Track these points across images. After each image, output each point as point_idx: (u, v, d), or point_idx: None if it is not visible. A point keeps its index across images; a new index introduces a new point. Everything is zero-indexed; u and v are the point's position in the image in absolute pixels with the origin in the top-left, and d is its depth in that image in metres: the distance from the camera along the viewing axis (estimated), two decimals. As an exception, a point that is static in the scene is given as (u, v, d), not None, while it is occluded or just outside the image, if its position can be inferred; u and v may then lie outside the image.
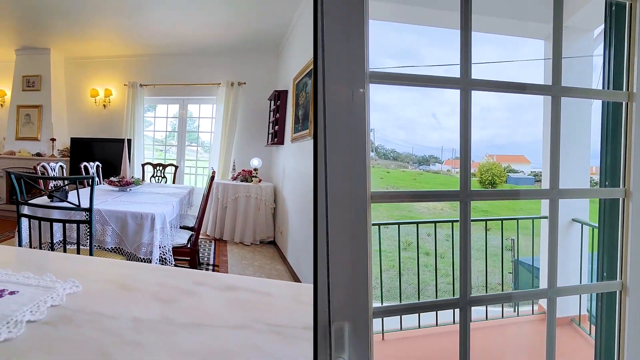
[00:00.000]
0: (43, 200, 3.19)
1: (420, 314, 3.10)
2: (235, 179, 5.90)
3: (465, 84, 1.05)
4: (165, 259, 3.22)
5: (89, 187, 2.84)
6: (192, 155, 7.36)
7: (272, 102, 5.86)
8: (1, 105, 7.60)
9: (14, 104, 7.07)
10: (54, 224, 2.80)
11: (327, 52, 0.80)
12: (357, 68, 0.83)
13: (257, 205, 5.58)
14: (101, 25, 5.88)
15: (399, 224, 3.54)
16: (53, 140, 6.94)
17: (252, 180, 5.71)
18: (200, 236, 3.79)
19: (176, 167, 6.16)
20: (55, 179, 3.06)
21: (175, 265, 3.37)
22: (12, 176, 2.73)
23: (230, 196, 5.62)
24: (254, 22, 5.38)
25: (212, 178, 3.73)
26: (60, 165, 4.60)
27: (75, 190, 2.82)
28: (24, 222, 2.90)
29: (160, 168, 6.09)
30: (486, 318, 3.41)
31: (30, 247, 3.01)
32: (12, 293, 1.13)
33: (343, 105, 0.82)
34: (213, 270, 4.51)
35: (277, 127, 5.45)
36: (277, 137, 5.43)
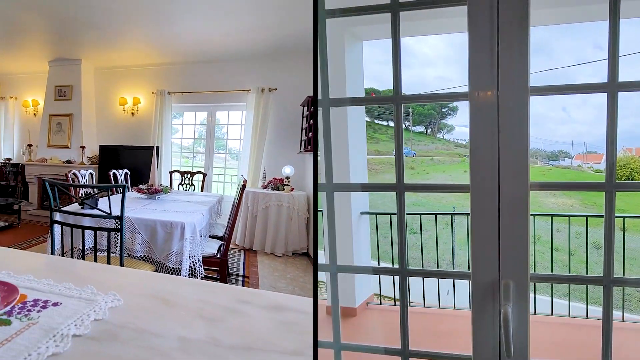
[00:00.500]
0: (74, 207, 3.21)
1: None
2: (265, 187, 5.77)
3: (613, 88, 1.02)
4: (195, 269, 3.20)
5: (118, 195, 2.84)
6: (220, 162, 7.30)
7: (305, 107, 5.69)
8: (34, 114, 7.83)
9: (47, 113, 7.28)
10: (85, 230, 2.81)
11: (501, 67, 0.99)
12: (522, 82, 1.00)
13: (289, 214, 5.43)
14: (130, 35, 5.98)
15: (534, 215, 3.39)
16: (83, 147, 7.08)
17: (283, 189, 5.57)
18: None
19: (204, 175, 6.09)
20: (88, 187, 3.08)
21: (204, 276, 3.34)
22: (46, 184, 2.76)
23: (261, 205, 5.49)
24: (283, 27, 5.30)
25: (244, 187, 3.67)
26: (90, 173, 4.65)
27: (106, 198, 2.83)
28: (57, 228, 2.92)
29: (188, 176, 6.06)
30: (622, 319, 3.25)
31: (62, 253, 3.03)
32: (55, 304, 1.11)
33: (509, 113, 1.01)
34: (243, 282, 4.46)
35: (310, 133, 5.29)
36: (311, 144, 5.25)
